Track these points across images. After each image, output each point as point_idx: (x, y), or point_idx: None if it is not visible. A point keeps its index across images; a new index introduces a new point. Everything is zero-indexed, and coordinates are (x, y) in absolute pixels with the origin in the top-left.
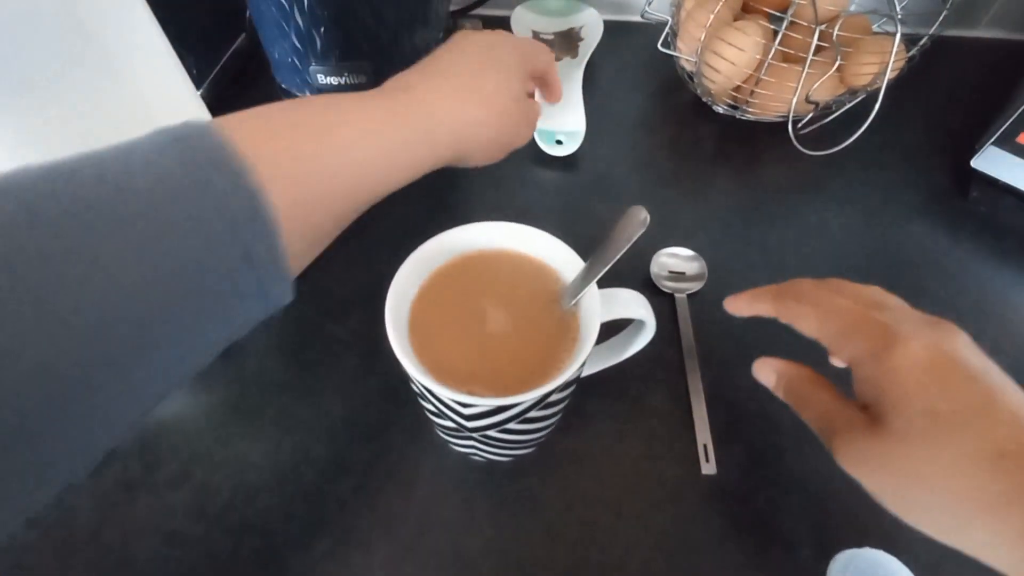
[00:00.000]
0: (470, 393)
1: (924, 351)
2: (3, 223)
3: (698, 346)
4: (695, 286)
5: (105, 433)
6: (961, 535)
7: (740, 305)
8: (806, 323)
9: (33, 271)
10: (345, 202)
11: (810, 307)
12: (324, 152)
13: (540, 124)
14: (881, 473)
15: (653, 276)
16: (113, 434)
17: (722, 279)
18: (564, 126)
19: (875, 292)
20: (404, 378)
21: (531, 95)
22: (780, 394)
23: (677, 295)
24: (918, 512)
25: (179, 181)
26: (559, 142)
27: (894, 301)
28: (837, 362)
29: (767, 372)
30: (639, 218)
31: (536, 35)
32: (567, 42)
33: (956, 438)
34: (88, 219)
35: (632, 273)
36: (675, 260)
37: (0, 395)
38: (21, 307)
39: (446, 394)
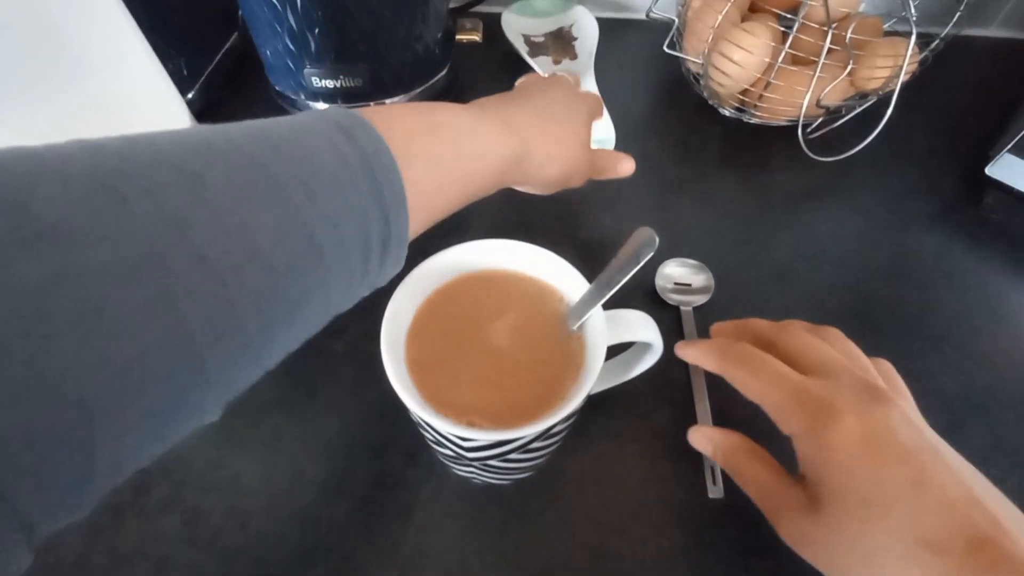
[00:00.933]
0: (470, 425)
1: (856, 428)
2: (229, 189)
3: None
4: (701, 299)
5: (234, 382)
6: None
7: (688, 356)
8: (748, 391)
9: (245, 235)
10: (447, 203)
11: (751, 375)
12: (450, 158)
13: None
14: (821, 554)
15: (658, 288)
16: (238, 387)
17: (729, 290)
18: (592, 134)
19: (824, 347)
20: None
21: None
22: (719, 463)
23: (683, 308)
24: None
25: (353, 167)
26: None
27: (839, 360)
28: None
29: (703, 442)
30: (647, 240)
31: (527, 38)
32: (560, 43)
33: (884, 525)
34: (284, 193)
35: (636, 285)
36: (681, 271)
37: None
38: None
39: (445, 428)
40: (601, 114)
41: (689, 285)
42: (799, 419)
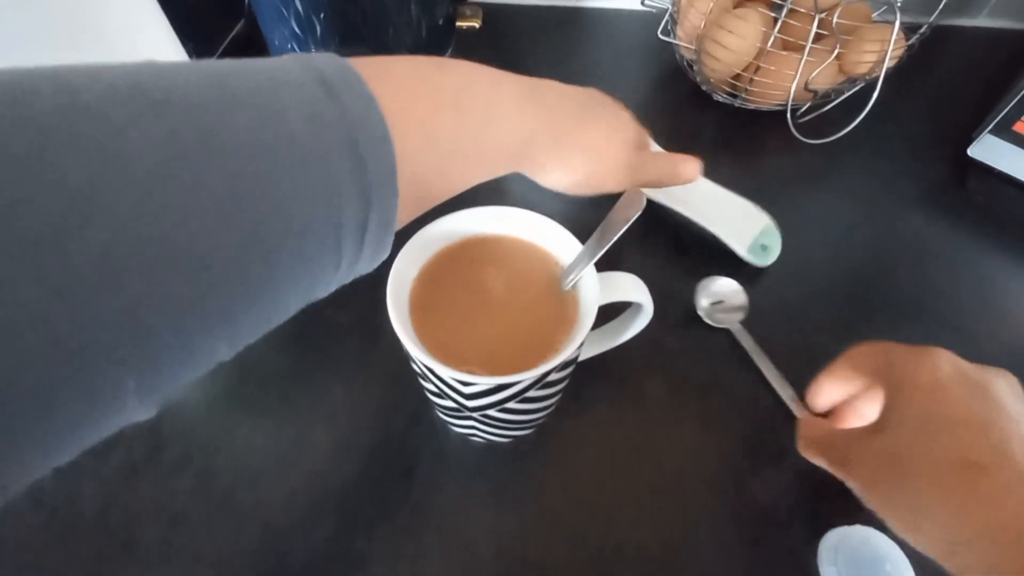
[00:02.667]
0: (470, 372)
1: (951, 367)
2: (194, 145)
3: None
4: (740, 314)
5: (203, 360)
6: (917, 534)
7: (823, 395)
8: (865, 360)
9: (167, 220)
10: (449, 185)
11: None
12: (459, 130)
13: (730, 241)
14: (866, 471)
15: (702, 312)
16: (167, 391)
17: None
18: (754, 228)
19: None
20: (404, 361)
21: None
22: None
23: (733, 328)
24: (886, 504)
25: (329, 133)
26: (764, 247)
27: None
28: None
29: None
30: (635, 200)
31: None
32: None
33: (936, 441)
34: (230, 165)
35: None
36: (719, 288)
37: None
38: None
39: (447, 373)
40: (648, 143)
41: (722, 302)
42: (900, 355)
